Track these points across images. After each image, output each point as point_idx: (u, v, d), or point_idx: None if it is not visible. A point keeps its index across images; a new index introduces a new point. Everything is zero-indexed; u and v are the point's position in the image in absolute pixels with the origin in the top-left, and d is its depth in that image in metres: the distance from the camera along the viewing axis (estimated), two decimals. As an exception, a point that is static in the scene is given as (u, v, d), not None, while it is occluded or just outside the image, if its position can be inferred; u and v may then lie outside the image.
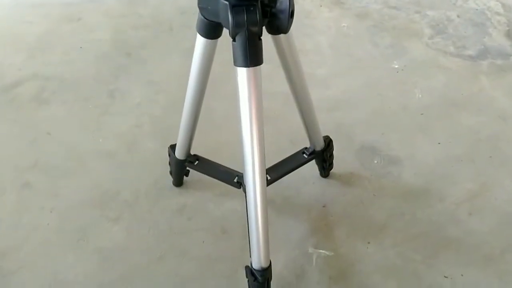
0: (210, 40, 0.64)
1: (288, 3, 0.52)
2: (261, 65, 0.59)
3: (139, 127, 1.23)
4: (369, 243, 0.96)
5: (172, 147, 0.97)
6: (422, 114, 1.26)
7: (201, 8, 0.58)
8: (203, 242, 0.96)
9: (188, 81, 0.74)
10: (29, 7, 1.75)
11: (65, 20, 1.66)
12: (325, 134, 0.99)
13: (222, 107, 1.23)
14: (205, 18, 0.59)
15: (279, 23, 0.55)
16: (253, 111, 0.60)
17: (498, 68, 1.42)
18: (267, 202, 0.73)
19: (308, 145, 0.97)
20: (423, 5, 1.71)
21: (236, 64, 0.57)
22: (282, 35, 0.63)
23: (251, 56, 0.55)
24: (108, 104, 1.31)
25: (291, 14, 0.54)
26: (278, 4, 0.53)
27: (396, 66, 1.43)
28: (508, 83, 1.37)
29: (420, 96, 1.32)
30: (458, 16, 1.65)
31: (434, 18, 1.64)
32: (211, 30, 0.62)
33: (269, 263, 0.77)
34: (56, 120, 1.26)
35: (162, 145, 1.06)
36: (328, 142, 0.99)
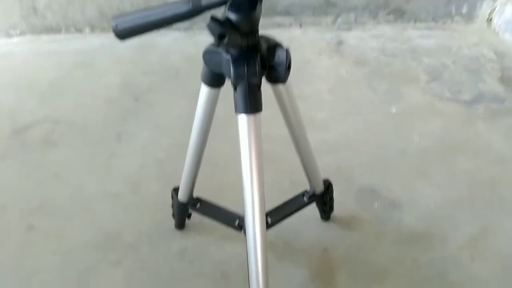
0: (213, 89, 0.68)
1: (285, 57, 0.57)
2: (261, 112, 0.62)
3: (144, 170, 1.26)
4: (371, 288, 0.95)
5: (175, 190, 0.99)
6: (421, 157, 1.29)
7: (206, 60, 0.63)
8: (204, 287, 0.96)
9: (192, 127, 0.78)
10: (44, 54, 1.84)
11: (77, 66, 1.75)
12: (325, 177, 1.01)
13: (224, 149, 1.26)
14: (209, 69, 0.64)
15: (277, 75, 0.60)
16: (253, 156, 0.63)
17: (493, 113, 1.46)
18: (268, 246, 0.74)
19: (308, 188, 0.99)
20: (419, 52, 1.79)
21: (237, 111, 0.61)
22: (280, 85, 0.67)
23: (251, 104, 0.59)
24: (115, 146, 1.35)
25: (288, 67, 0.58)
26: (276, 58, 0.58)
27: (394, 111, 1.48)
28: (504, 127, 1.40)
29: (418, 140, 1.36)
30: (453, 63, 1.72)
31: (429, 64, 1.71)
32: (215, 80, 0.66)
33: (269, 308, 0.76)
34: (64, 162, 1.30)
35: (166, 188, 1.08)
36: (328, 185, 1.01)
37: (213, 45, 0.61)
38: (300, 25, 1.97)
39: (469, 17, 1.97)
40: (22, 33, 1.94)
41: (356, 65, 1.72)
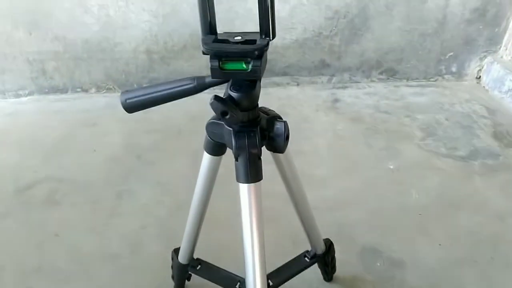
0: (215, 157, 0.71)
1: (283, 129, 0.60)
2: (262, 180, 0.65)
3: (144, 229, 1.26)
4: None
5: (176, 251, 0.98)
6: (420, 214, 1.30)
7: (209, 132, 0.66)
8: None
9: (194, 192, 0.80)
10: (50, 113, 1.91)
11: (81, 125, 1.80)
12: (326, 235, 1.01)
13: (225, 206, 1.26)
14: (212, 140, 0.67)
15: (276, 145, 0.63)
16: (254, 222, 0.64)
17: (490, 168, 1.49)
18: (269, 311, 0.73)
19: (309, 248, 0.98)
20: (412, 109, 1.86)
21: (238, 180, 0.64)
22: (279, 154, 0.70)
23: (252, 173, 0.62)
24: (115, 205, 1.36)
25: (287, 137, 0.62)
26: (275, 129, 0.62)
27: (391, 167, 1.51)
28: (501, 182, 1.42)
29: (416, 196, 1.37)
30: (446, 119, 1.78)
31: (424, 121, 1.77)
32: (217, 149, 0.70)
33: None
34: (65, 221, 1.30)
35: (166, 248, 1.08)
36: (329, 245, 1.01)
37: (215, 118, 0.65)
38: (297, 84, 2.06)
39: (459, 75, 2.06)
40: (30, 93, 2.02)
41: (352, 122, 1.78)
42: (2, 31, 1.85)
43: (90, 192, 1.42)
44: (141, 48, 1.92)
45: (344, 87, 2.04)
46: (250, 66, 0.54)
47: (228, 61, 0.54)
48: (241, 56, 0.53)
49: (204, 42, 0.53)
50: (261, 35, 0.53)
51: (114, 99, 1.99)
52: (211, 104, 0.55)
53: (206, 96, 0.60)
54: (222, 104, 0.55)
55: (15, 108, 1.96)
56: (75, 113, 1.89)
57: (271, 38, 0.53)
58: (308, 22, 1.88)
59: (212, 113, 0.64)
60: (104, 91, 2.03)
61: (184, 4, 1.81)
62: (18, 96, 2.02)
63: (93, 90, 2.03)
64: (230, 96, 0.58)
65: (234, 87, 0.58)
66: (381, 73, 2.05)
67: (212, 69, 0.54)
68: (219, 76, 0.55)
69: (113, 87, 2.03)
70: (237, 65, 0.54)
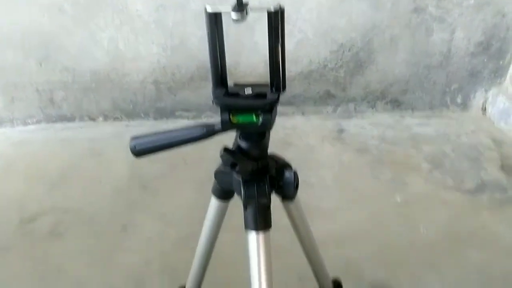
0: (223, 201, 0.71)
1: (293, 178, 0.60)
2: (270, 228, 0.64)
3: (148, 264, 1.24)
4: None
5: (181, 290, 0.97)
6: (429, 250, 1.27)
7: (217, 179, 0.66)
8: None
9: (200, 235, 0.79)
10: (57, 141, 1.92)
11: (88, 154, 1.81)
12: (333, 271, 0.98)
13: (231, 240, 1.24)
14: (221, 187, 0.67)
15: (285, 193, 0.63)
16: (262, 270, 0.63)
17: (498, 202, 1.47)
18: None
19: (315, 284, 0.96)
20: (418, 140, 1.85)
21: (247, 228, 0.63)
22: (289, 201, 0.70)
23: (261, 222, 0.62)
24: (120, 239, 1.34)
25: (296, 186, 0.61)
26: (284, 179, 0.61)
27: (399, 200, 1.49)
28: (509, 217, 1.40)
29: (425, 231, 1.35)
30: (452, 151, 1.77)
31: (430, 152, 1.76)
32: (225, 194, 0.70)
33: None
34: (68, 254, 1.29)
35: (170, 285, 1.06)
36: (337, 285, 0.99)
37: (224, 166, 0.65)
38: (303, 113, 2.07)
39: (464, 106, 2.07)
40: (38, 122, 2.04)
41: (358, 153, 1.78)
42: (14, 62, 1.89)
43: (94, 224, 1.41)
44: (149, 79, 1.95)
45: (349, 117, 2.05)
46: (260, 119, 0.54)
47: (239, 113, 0.54)
48: (252, 110, 0.54)
49: (215, 96, 0.54)
50: (271, 88, 0.54)
51: (121, 128, 2.01)
52: (221, 156, 0.55)
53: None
54: (231, 156, 0.55)
55: (22, 136, 1.98)
56: (81, 141, 1.90)
57: (281, 91, 0.54)
58: (314, 55, 1.91)
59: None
60: (112, 120, 2.05)
61: (192, 37, 1.85)
62: (26, 124, 2.04)
63: (101, 119, 2.05)
64: (239, 146, 0.58)
65: (243, 137, 0.58)
66: (386, 104, 2.05)
67: (222, 121, 0.55)
68: (229, 128, 0.55)
69: (120, 116, 2.04)
70: (247, 117, 0.54)
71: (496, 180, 1.58)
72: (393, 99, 2.04)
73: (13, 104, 2.00)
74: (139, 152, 0.62)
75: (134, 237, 1.35)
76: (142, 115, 2.04)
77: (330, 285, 0.97)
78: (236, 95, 0.55)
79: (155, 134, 0.63)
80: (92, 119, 2.05)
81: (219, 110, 0.55)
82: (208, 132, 0.60)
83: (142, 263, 1.25)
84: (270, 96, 0.53)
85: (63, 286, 1.18)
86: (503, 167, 1.66)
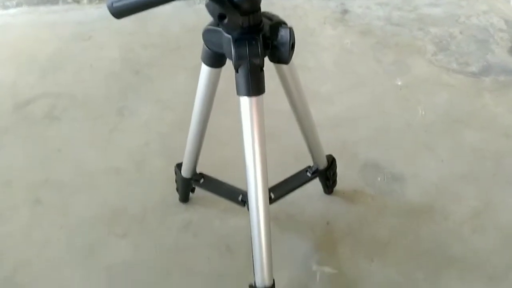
0: (214, 69, 0.67)
1: (288, 36, 0.55)
2: (264, 93, 0.61)
3: (147, 145, 1.26)
4: (372, 260, 0.97)
5: (179, 166, 0.99)
6: (425, 131, 1.28)
7: (206, 40, 0.61)
8: (209, 259, 0.98)
9: (194, 106, 0.77)
10: (42, 26, 1.80)
11: (76, 39, 1.71)
12: (329, 151, 1.01)
13: (227, 122, 1.24)
14: (210, 49, 0.62)
15: (280, 55, 0.58)
16: (256, 137, 0.62)
17: (501, 85, 1.43)
18: (271, 220, 0.75)
19: (311, 163, 0.98)
20: (425, 22, 1.74)
21: (239, 93, 0.60)
22: (283, 65, 0.66)
23: (253, 86, 0.58)
24: (117, 121, 1.34)
25: (292, 46, 0.56)
26: (279, 37, 0.56)
27: (399, 83, 1.45)
28: (511, 99, 1.38)
29: (423, 113, 1.34)
30: (460, 33, 1.67)
31: (436, 35, 1.66)
32: (215, 60, 0.65)
33: (272, 281, 0.78)
34: (67, 137, 1.30)
35: (169, 163, 1.08)
36: (331, 161, 1.01)
37: (212, 24, 0.59)
38: (304, -7, 1.90)
39: (480, -17, 1.89)
40: (18, 4, 1.89)
41: (361, 35, 1.68)
42: None
43: (89, 108, 1.40)
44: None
45: (354, -3, 1.89)
46: None
47: None
48: None
49: None
50: None
51: (107, 11, 1.87)
52: (207, 5, 0.49)
53: (205, 7, 0.53)
54: (219, 5, 0.49)
55: (3, 20, 1.85)
56: (68, 25, 1.79)
57: None
58: None
59: (210, 19, 0.58)
60: (97, 1, 1.90)
61: None
62: (5, 7, 1.90)
63: (85, 1, 1.90)
64: None
65: None
66: (395, -19, 1.88)
67: None
68: None
69: (105, -3, 1.89)
70: None
71: (503, 63, 1.52)
72: (403, -25, 1.86)
73: (-12, -17, 1.83)
74: (118, 10, 0.56)
75: (130, 120, 1.35)
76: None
77: (324, 160, 0.98)
78: None
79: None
80: (77, 1, 1.90)
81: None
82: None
83: (140, 144, 1.26)
84: None
85: (65, 166, 1.21)
86: (512, 49, 1.58)
